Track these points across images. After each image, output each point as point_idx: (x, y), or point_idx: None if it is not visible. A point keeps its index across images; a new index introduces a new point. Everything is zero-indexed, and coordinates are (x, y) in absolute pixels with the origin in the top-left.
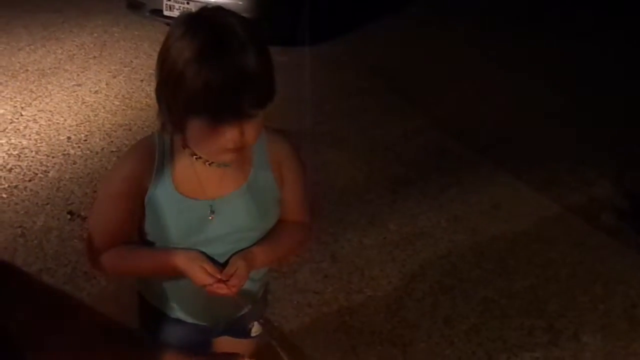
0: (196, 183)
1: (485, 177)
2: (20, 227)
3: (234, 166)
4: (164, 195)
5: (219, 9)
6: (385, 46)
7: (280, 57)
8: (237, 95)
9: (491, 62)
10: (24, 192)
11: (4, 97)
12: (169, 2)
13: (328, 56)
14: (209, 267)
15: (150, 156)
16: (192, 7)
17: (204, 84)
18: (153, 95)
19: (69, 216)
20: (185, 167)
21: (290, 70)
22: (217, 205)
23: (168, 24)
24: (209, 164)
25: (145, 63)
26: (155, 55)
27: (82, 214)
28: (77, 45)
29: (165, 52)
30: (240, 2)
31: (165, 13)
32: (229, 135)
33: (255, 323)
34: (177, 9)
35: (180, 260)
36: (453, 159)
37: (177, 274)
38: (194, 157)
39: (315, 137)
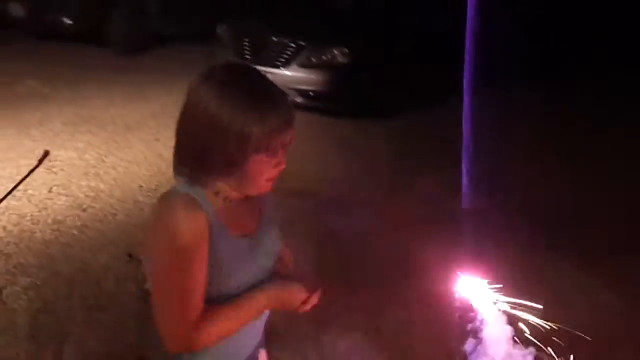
0: (237, 222)
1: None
2: (83, 262)
3: (252, 201)
4: (224, 242)
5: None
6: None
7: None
8: (287, 127)
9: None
10: (93, 231)
11: (92, 144)
12: None
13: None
14: (301, 285)
15: (200, 208)
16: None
17: (267, 126)
18: None
19: (127, 258)
20: (223, 211)
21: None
22: (259, 238)
23: None
24: (236, 202)
25: None
26: None
27: (141, 257)
28: (160, 105)
29: (204, 111)
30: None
31: None
32: (282, 163)
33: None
34: None
35: (274, 292)
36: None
37: (268, 308)
38: (225, 199)
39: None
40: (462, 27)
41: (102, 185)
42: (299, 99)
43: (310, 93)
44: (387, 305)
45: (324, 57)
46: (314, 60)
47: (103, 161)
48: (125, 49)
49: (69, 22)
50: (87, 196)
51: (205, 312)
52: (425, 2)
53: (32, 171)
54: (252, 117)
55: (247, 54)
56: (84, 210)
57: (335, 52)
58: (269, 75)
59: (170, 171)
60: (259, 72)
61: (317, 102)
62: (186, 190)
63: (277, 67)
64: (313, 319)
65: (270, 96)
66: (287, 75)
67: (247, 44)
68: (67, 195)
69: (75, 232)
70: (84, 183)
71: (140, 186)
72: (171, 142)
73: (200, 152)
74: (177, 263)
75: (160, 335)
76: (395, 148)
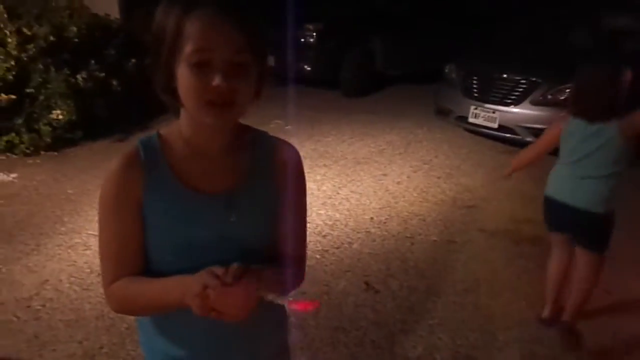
0: (200, 173)
1: None
2: (326, 285)
3: (236, 159)
4: (166, 194)
5: None
6: None
7: None
8: (220, 34)
9: None
10: (332, 257)
11: (328, 177)
12: (475, 111)
13: None
14: (219, 269)
15: (134, 158)
16: (497, 116)
17: (185, 23)
18: (448, 192)
19: (365, 286)
20: (183, 157)
21: None
22: (233, 200)
23: (468, 130)
24: (214, 154)
25: (443, 163)
26: (453, 156)
27: (376, 287)
28: (386, 142)
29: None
30: None
31: (470, 120)
32: (215, 81)
33: None
34: (482, 117)
35: (193, 278)
36: None
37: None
38: (186, 141)
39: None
40: None
41: (337, 215)
42: (529, 138)
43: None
44: None
45: (560, 96)
46: (549, 97)
47: (338, 193)
48: (354, 91)
49: (308, 68)
50: (326, 224)
51: (131, 277)
52: None
53: None
54: (176, 14)
55: (475, 92)
56: (324, 236)
57: None
58: (498, 113)
59: (397, 205)
60: None
61: None
62: (141, 139)
63: (507, 104)
64: None
65: None
66: (518, 112)
67: (475, 81)
68: (309, 222)
69: (318, 256)
70: (322, 212)
71: (371, 218)
72: (398, 177)
73: (151, 70)
74: (100, 216)
75: None
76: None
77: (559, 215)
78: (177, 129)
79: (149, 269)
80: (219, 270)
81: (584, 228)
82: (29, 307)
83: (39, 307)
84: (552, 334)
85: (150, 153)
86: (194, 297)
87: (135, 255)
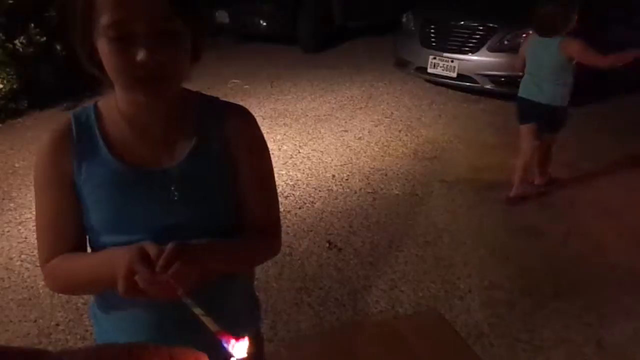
0: (138, 147)
1: None
2: (289, 247)
3: (179, 130)
4: (100, 170)
5: None
6: None
7: None
8: (139, 0)
9: None
10: (294, 218)
11: (288, 136)
12: (434, 60)
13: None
14: (151, 249)
15: (65, 132)
16: (456, 65)
17: None
18: (409, 144)
19: (327, 245)
20: (120, 130)
21: None
22: (174, 175)
23: (428, 81)
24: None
25: (405, 115)
26: (414, 108)
27: (339, 245)
28: (347, 97)
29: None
30: None
31: (430, 70)
32: (139, 56)
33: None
34: (441, 67)
35: (122, 256)
36: None
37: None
38: (121, 112)
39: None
40: None
41: (299, 174)
42: (488, 85)
43: (502, 79)
44: (609, 314)
45: (517, 41)
46: (506, 43)
47: (299, 152)
48: (313, 45)
49: (264, 24)
50: (287, 184)
51: (67, 254)
52: None
53: None
54: None
55: (433, 41)
56: (286, 197)
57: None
58: (457, 62)
59: (359, 161)
60: None
61: (508, 88)
62: (74, 112)
63: (465, 52)
64: (521, 318)
65: None
66: (476, 60)
67: (432, 30)
68: None
69: None
70: (283, 172)
71: (333, 175)
72: (359, 132)
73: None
74: (35, 193)
75: None
76: (600, 137)
77: (528, 110)
78: (113, 100)
79: (90, 244)
80: (151, 249)
81: (547, 117)
82: None
83: None
84: (509, 278)
85: (83, 127)
86: (119, 278)
87: (71, 231)
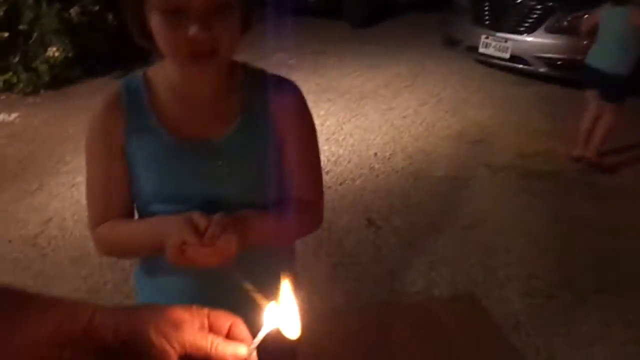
0: (187, 119)
1: None
2: (327, 222)
3: (228, 102)
4: (149, 140)
5: None
6: None
7: None
8: None
9: None
10: (335, 194)
11: (331, 112)
12: (486, 40)
13: None
14: (201, 220)
15: (116, 101)
16: (510, 45)
17: None
18: (455, 126)
19: (366, 222)
20: (169, 101)
21: None
22: (222, 147)
23: (479, 61)
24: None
25: (452, 96)
26: (462, 89)
27: (378, 223)
28: (393, 74)
29: None
30: None
31: (481, 50)
32: (191, 30)
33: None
34: (493, 47)
35: (173, 225)
36: None
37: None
38: (171, 85)
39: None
40: None
41: (341, 151)
42: (543, 69)
43: (558, 62)
44: None
45: (577, 22)
46: (565, 24)
47: (342, 128)
48: (359, 21)
49: None
50: (329, 160)
51: (117, 219)
52: None
53: None
54: None
55: (487, 20)
56: (327, 173)
57: None
58: (510, 42)
59: (402, 140)
60: None
61: (564, 72)
62: (124, 80)
63: (521, 33)
64: (560, 311)
65: None
66: (532, 41)
67: (486, 8)
68: None
69: None
70: (325, 148)
71: (375, 154)
72: (404, 111)
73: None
74: (86, 160)
75: None
76: None
77: (592, 76)
78: (163, 71)
79: (138, 212)
80: (201, 220)
81: (606, 84)
82: (34, 245)
83: (44, 245)
84: (550, 269)
85: (133, 96)
86: (169, 247)
87: (121, 198)
